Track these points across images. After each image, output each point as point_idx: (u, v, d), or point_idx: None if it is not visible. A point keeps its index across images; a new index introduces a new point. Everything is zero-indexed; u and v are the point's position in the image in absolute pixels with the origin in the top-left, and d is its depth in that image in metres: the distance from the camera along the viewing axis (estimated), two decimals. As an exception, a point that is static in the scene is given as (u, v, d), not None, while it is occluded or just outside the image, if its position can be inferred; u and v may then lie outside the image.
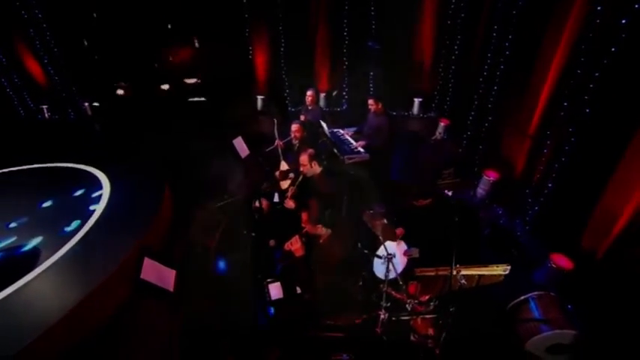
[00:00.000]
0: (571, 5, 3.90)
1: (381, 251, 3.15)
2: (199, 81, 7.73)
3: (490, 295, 3.51)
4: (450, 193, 4.19)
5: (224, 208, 4.55)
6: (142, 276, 3.01)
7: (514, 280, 3.70)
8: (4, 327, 2.52)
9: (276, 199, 4.53)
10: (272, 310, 3.33)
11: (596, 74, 3.55)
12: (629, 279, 3.35)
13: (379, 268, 3.24)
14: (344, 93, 7.94)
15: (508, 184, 4.98)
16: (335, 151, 5.18)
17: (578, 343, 2.99)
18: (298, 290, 3.20)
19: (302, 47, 7.59)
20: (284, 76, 7.90)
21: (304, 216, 2.93)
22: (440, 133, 6.80)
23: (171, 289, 3.15)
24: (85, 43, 7.41)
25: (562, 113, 4.03)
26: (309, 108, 5.72)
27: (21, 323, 2.54)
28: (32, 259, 3.18)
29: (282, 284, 3.17)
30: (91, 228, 3.59)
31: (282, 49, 7.65)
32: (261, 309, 3.38)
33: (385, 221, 3.20)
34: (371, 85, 7.46)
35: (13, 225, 3.78)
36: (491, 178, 5.06)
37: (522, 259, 3.95)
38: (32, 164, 5.06)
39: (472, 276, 3.21)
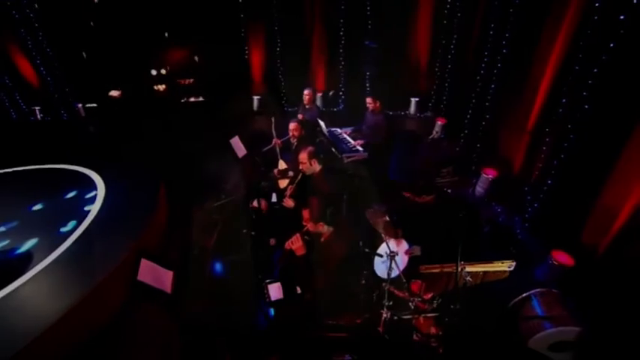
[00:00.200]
0: (568, 1, 3.90)
1: (381, 250, 3.12)
2: (191, 81, 7.66)
3: (492, 292, 3.49)
4: (449, 192, 4.17)
5: (221, 208, 4.49)
6: (138, 277, 2.96)
7: (515, 277, 3.68)
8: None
9: (273, 199, 4.47)
10: (272, 311, 3.28)
11: (595, 70, 3.54)
12: (630, 275, 3.35)
13: (380, 267, 3.20)
14: (340, 93, 7.92)
15: (507, 182, 4.97)
16: (333, 150, 5.14)
17: (581, 340, 2.96)
18: (298, 290, 3.15)
19: (298, 47, 7.58)
20: (280, 77, 7.87)
21: (305, 214, 2.88)
22: (437, 132, 6.80)
23: (168, 290, 3.09)
24: (84, 54, 7.34)
25: (560, 110, 4.02)
26: (307, 107, 5.70)
27: (14, 327, 2.46)
28: (26, 261, 3.10)
29: (282, 285, 3.12)
30: (86, 230, 3.50)
31: (278, 50, 7.62)
32: (260, 310, 3.33)
33: (387, 218, 3.16)
34: (367, 85, 7.45)
35: (2, 229, 3.69)
36: (490, 176, 5.05)
37: (523, 256, 3.93)
38: (24, 166, 4.96)
39: (477, 273, 3.18)
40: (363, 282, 3.17)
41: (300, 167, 3.69)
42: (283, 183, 4.40)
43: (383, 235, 2.92)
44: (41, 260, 3.07)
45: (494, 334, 3.17)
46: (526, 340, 3.06)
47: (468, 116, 6.01)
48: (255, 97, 8.08)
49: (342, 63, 7.56)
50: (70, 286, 2.83)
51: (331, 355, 2.98)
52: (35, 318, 2.49)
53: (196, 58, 7.65)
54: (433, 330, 3.17)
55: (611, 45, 3.39)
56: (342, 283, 2.97)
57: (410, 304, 3.02)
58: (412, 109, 7.64)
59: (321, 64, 7.76)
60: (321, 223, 2.89)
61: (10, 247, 3.33)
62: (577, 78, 3.78)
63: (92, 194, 4.19)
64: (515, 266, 3.44)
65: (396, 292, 3.08)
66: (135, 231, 3.39)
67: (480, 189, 5.15)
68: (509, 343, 3.15)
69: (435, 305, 3.00)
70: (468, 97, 5.93)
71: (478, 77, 5.63)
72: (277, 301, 3.12)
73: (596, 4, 3.52)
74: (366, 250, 3.16)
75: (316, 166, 3.64)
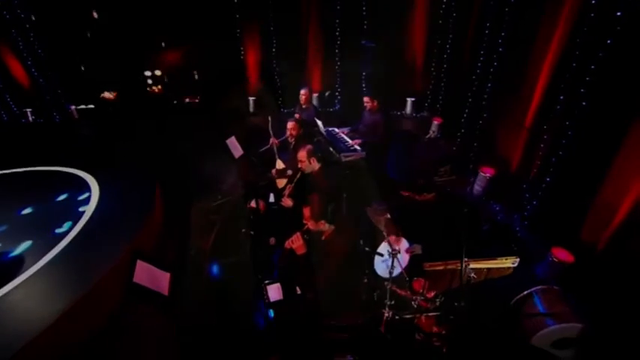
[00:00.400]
0: (565, -1, 3.92)
1: (382, 248, 3.08)
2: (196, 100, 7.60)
3: (493, 290, 3.47)
4: (448, 190, 4.15)
5: (218, 209, 4.42)
6: (134, 279, 2.89)
7: (516, 275, 3.66)
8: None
9: (271, 199, 4.42)
10: (271, 312, 3.22)
11: (592, 67, 3.55)
12: (630, 271, 3.34)
13: (380, 267, 3.16)
14: (337, 93, 7.90)
15: (505, 180, 4.97)
16: (331, 149, 5.11)
17: (584, 337, 2.95)
18: (298, 291, 3.10)
19: (294, 48, 7.55)
20: (276, 77, 7.84)
21: (306, 212, 2.83)
22: (433, 132, 6.80)
23: (165, 292, 3.02)
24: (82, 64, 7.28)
25: (558, 107, 4.03)
26: (304, 107, 5.67)
27: (8, 330, 2.39)
28: (19, 264, 3.02)
29: (281, 285, 3.06)
30: (80, 231, 3.43)
31: (273, 50, 7.59)
32: (260, 312, 3.26)
33: (388, 216, 3.13)
34: (363, 85, 7.45)
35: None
36: (488, 175, 5.05)
37: (523, 254, 3.92)
38: (17, 168, 4.86)
39: (481, 269, 3.16)
40: (365, 281, 3.12)
41: (299, 166, 3.65)
42: (281, 183, 4.35)
43: (384, 233, 2.88)
44: (35, 263, 3.00)
45: (497, 332, 3.14)
46: (529, 337, 3.04)
47: (465, 115, 6.02)
48: (251, 98, 8.03)
49: (338, 63, 7.55)
50: (64, 288, 2.76)
51: (332, 356, 2.93)
52: (28, 322, 2.42)
53: (196, 76, 7.62)
54: (435, 329, 3.13)
55: (608, 42, 3.40)
56: (344, 283, 2.91)
57: (412, 302, 2.98)
58: (408, 109, 7.64)
59: (317, 64, 7.74)
60: (322, 222, 2.85)
61: (3, 250, 3.25)
62: (574, 75, 3.79)
63: (86, 196, 4.11)
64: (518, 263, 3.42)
65: (399, 290, 3.04)
66: (130, 232, 3.33)
67: (477, 187, 5.14)
68: (512, 340, 3.12)
69: (437, 304, 2.96)
70: (464, 96, 5.94)
71: (474, 76, 5.64)
72: (277, 302, 3.06)
73: (592, 1, 3.54)
74: (366, 249, 3.12)
75: (315, 165, 3.60)
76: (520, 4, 4.65)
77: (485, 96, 5.38)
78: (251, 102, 8.02)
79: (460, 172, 5.53)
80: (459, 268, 2.72)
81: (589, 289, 3.46)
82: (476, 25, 5.73)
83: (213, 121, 6.77)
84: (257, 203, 3.97)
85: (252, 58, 7.73)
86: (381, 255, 3.07)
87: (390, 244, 2.80)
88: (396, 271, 2.87)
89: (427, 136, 6.80)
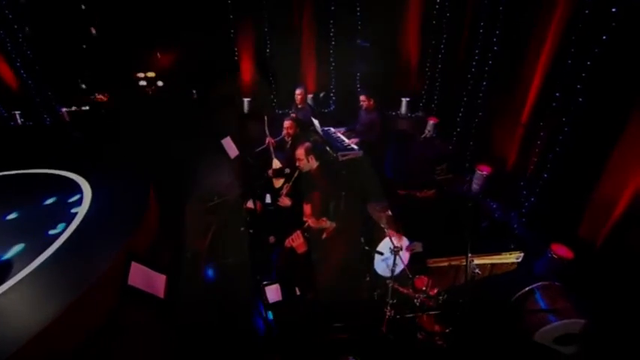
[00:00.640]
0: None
1: (382, 247, 3.03)
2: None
3: (494, 287, 3.44)
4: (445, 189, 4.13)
5: (215, 209, 4.34)
6: (129, 282, 2.80)
7: (515, 272, 3.65)
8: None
9: (267, 200, 4.35)
10: (270, 314, 3.14)
11: (588, 63, 3.57)
12: (629, 265, 3.35)
13: (380, 266, 3.11)
14: (331, 94, 7.88)
15: (502, 178, 4.97)
16: (328, 148, 5.06)
17: (587, 332, 2.93)
18: (297, 292, 3.03)
19: (288, 48, 7.50)
20: (270, 78, 7.79)
21: (307, 209, 2.77)
22: (429, 131, 6.80)
23: (161, 295, 2.93)
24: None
25: (554, 104, 4.04)
26: (299, 107, 5.63)
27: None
28: (9, 267, 2.92)
29: (280, 286, 2.99)
30: (73, 233, 3.33)
31: (267, 51, 7.54)
32: (259, 314, 3.19)
33: (390, 213, 3.09)
34: (358, 85, 7.43)
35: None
36: (485, 173, 5.05)
37: (522, 251, 3.91)
38: (5, 171, 4.73)
39: (485, 265, 3.13)
40: (367, 279, 3.07)
41: (297, 164, 3.59)
42: (278, 182, 4.28)
43: (386, 230, 2.84)
44: (25, 266, 2.90)
45: (500, 329, 3.11)
46: (532, 334, 3.02)
47: (460, 114, 6.02)
48: (246, 100, 7.96)
49: (333, 64, 7.53)
50: (57, 291, 2.66)
51: (333, 358, 2.87)
52: (19, 327, 2.33)
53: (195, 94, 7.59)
54: (437, 327, 3.09)
55: (604, 38, 3.42)
56: (344, 282, 2.86)
57: (415, 300, 2.93)
58: (403, 109, 7.64)
59: (311, 65, 7.71)
60: (324, 219, 2.79)
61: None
62: (570, 71, 3.80)
63: (78, 198, 4.01)
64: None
65: (401, 288, 2.99)
66: (124, 233, 3.24)
67: (475, 186, 5.14)
68: (514, 337, 3.09)
69: (440, 301, 2.92)
70: (459, 95, 5.95)
71: (469, 75, 5.66)
72: (276, 304, 2.99)
73: (588, -1, 3.56)
74: (366, 247, 3.07)
75: (314, 163, 3.55)
76: (514, 1, 4.67)
77: (481, 94, 5.39)
78: (245, 103, 7.96)
79: (457, 171, 5.53)
80: (463, 264, 2.68)
81: (589, 284, 3.45)
82: (470, 24, 5.76)
83: (209, 120, 6.69)
84: (254, 204, 3.90)
85: (246, 59, 7.67)
86: (381, 254, 3.03)
87: (392, 241, 2.75)
88: (398, 268, 2.82)
89: (423, 136, 6.80)
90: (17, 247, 3.20)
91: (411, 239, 3.16)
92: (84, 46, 7.07)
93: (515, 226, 4.49)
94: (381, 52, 7.01)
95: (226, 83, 7.39)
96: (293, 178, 3.62)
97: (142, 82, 7.44)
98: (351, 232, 2.93)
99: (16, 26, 6.83)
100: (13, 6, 6.66)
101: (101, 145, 5.94)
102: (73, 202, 3.95)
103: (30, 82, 7.27)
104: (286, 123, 4.66)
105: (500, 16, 4.91)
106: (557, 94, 4.01)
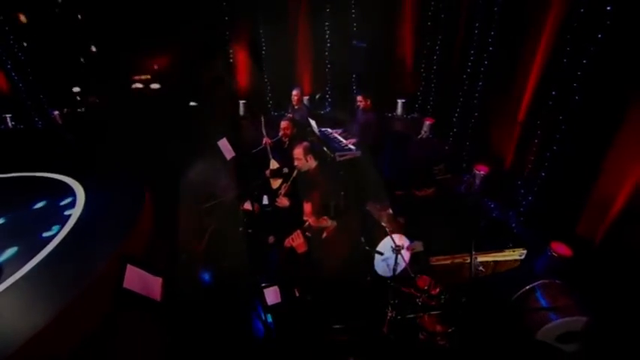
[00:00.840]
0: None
1: (382, 247, 2.99)
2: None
3: (494, 286, 3.42)
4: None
5: (211, 211, 4.27)
6: (125, 285, 2.73)
7: (515, 270, 3.63)
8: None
9: (265, 201, 4.31)
10: (269, 317, 3.09)
11: (584, 61, 3.59)
12: (628, 262, 3.35)
13: (380, 266, 3.07)
14: (327, 96, 7.87)
15: (499, 177, 4.98)
16: (325, 149, 5.04)
17: (589, 330, 2.91)
18: (297, 293, 2.98)
19: (284, 50, 7.50)
20: (266, 80, 7.76)
21: (307, 208, 2.72)
22: (425, 132, 6.82)
23: (157, 298, 2.87)
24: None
25: (550, 102, 4.06)
26: (296, 107, 5.63)
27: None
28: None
29: (279, 288, 2.94)
30: (66, 236, 3.25)
31: (263, 53, 7.53)
32: (258, 317, 3.13)
33: (390, 211, 3.05)
34: (354, 87, 7.43)
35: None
36: (482, 172, 5.05)
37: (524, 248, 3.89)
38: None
39: (488, 262, 3.10)
40: (369, 278, 3.03)
41: (295, 164, 3.55)
42: (276, 183, 4.25)
43: (387, 229, 2.80)
44: (19, 268, 2.82)
45: (502, 328, 3.08)
46: (534, 332, 2.99)
47: (457, 115, 6.04)
48: (241, 102, 7.92)
49: (328, 66, 7.53)
50: (51, 294, 2.59)
51: (334, 360, 2.82)
52: (14, 330, 2.25)
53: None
54: (439, 328, 3.05)
55: (599, 36, 3.44)
56: (345, 282, 2.81)
57: (417, 300, 2.89)
58: (399, 110, 7.66)
59: (306, 66, 7.71)
60: (325, 218, 2.75)
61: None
62: (566, 70, 3.82)
63: (71, 200, 3.93)
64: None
65: (402, 288, 2.95)
66: (118, 235, 3.17)
67: (474, 185, 5.13)
68: (516, 335, 3.06)
69: (442, 301, 2.89)
70: (455, 96, 5.97)
71: (465, 75, 5.68)
72: (275, 306, 2.93)
73: (582, -3, 3.59)
74: (367, 247, 3.03)
75: (312, 162, 3.51)
76: (509, 1, 4.69)
77: (477, 94, 5.41)
78: (241, 105, 7.92)
79: (454, 171, 5.52)
80: (466, 261, 2.66)
81: (588, 282, 3.45)
82: (465, 24, 5.79)
83: (204, 122, 6.63)
84: (252, 205, 3.85)
85: (241, 62, 7.65)
86: (381, 254, 2.99)
87: (394, 240, 2.71)
88: (400, 268, 2.78)
89: (419, 137, 6.81)
90: (10, 251, 3.13)
91: (411, 239, 3.13)
92: (82, 60, 7.03)
93: (514, 225, 4.48)
94: (376, 54, 7.02)
95: (215, 63, 7.31)
96: (291, 178, 3.58)
97: (137, 85, 7.37)
98: (351, 231, 2.89)
99: (7, 28, 6.74)
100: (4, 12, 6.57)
101: (94, 147, 5.85)
102: (65, 204, 3.87)
103: (21, 85, 7.16)
104: (283, 123, 4.63)
105: (495, 16, 4.94)
106: (554, 93, 4.02)
